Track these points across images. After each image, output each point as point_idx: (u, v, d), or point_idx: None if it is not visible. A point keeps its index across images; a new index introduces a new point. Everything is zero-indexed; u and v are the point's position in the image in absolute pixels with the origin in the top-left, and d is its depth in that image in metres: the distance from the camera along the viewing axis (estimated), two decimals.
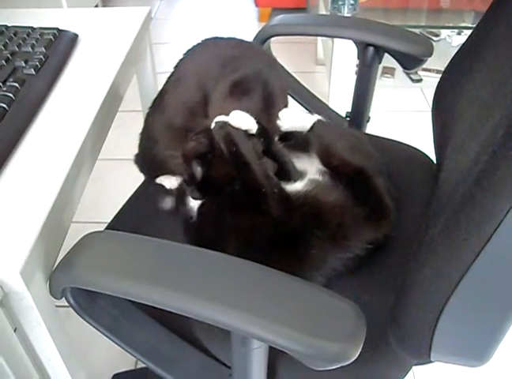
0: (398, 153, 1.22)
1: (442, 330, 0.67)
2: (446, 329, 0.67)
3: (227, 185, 0.91)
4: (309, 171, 0.96)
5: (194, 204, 0.95)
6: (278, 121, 1.02)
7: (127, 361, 1.57)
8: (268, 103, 1.01)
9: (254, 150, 0.90)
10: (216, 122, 0.92)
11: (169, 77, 1.11)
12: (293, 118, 1.04)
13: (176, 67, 1.12)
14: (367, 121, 1.34)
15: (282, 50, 1.45)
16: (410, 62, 1.19)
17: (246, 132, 0.92)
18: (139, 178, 1.19)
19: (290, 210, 0.88)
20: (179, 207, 0.98)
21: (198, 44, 1.14)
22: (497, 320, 0.66)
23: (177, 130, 1.05)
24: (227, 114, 0.92)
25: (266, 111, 1.00)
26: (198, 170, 0.92)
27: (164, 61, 1.54)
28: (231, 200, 0.91)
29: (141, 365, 1.56)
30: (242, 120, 0.92)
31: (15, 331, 0.71)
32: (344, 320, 0.60)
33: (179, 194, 0.98)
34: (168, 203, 1.01)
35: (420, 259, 0.69)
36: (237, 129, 0.91)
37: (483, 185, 0.58)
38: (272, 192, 0.88)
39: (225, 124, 0.91)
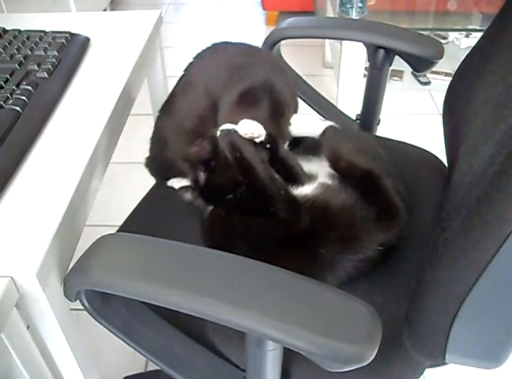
0: (409, 155, 1.21)
1: (457, 332, 0.66)
2: (461, 331, 0.67)
3: (231, 192, 0.92)
4: (319, 175, 0.96)
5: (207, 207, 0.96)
6: (289, 127, 1.03)
7: (138, 363, 1.57)
8: (276, 112, 1.02)
9: (257, 155, 0.91)
10: (221, 130, 0.93)
11: (179, 80, 1.12)
12: (304, 124, 1.04)
13: (186, 70, 1.12)
14: (378, 123, 1.33)
15: (290, 54, 1.44)
16: (421, 65, 1.19)
17: (253, 140, 0.93)
18: (149, 181, 1.19)
19: (299, 211, 0.88)
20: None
21: (208, 48, 1.14)
22: None
23: (187, 133, 1.06)
24: (235, 124, 0.93)
25: (274, 120, 1.00)
26: (201, 176, 0.94)
27: (172, 65, 1.54)
28: (240, 205, 0.92)
29: (151, 367, 1.56)
30: (252, 127, 0.93)
31: (27, 328, 0.71)
32: (360, 322, 0.60)
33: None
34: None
35: (435, 261, 0.69)
36: (244, 136, 0.92)
37: (499, 187, 0.57)
38: (278, 194, 0.88)
39: (230, 132, 0.92)
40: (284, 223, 0.88)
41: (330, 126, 1.03)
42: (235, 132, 0.92)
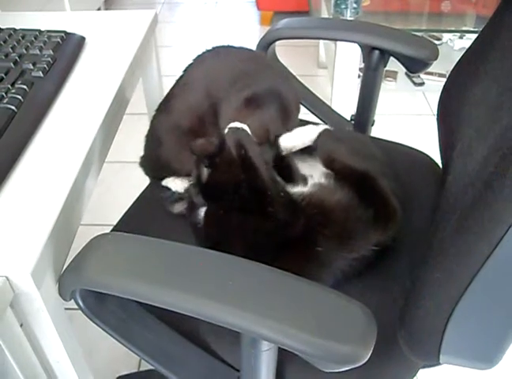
0: (403, 156, 1.22)
1: (452, 333, 0.67)
2: (456, 332, 0.67)
3: (232, 191, 0.93)
4: (314, 175, 0.96)
5: (203, 207, 0.95)
6: (283, 144, 1.03)
7: (130, 363, 1.57)
8: (283, 116, 1.02)
9: (262, 155, 0.92)
10: (230, 128, 0.93)
11: (177, 81, 1.11)
12: (297, 136, 1.04)
13: (185, 71, 1.12)
14: (372, 124, 1.34)
15: (284, 54, 1.44)
16: (416, 66, 1.19)
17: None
18: (143, 180, 1.19)
19: (296, 212, 0.88)
20: (189, 210, 0.99)
21: (208, 51, 1.13)
22: (506, 323, 0.66)
23: (183, 133, 1.06)
24: (243, 123, 0.94)
25: (282, 122, 1.01)
26: (205, 172, 0.94)
27: (166, 64, 1.54)
28: (239, 204, 0.92)
29: (144, 366, 1.56)
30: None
31: (21, 326, 0.71)
32: (355, 322, 0.60)
33: (189, 197, 0.99)
34: (178, 206, 1.02)
35: (430, 262, 0.69)
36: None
37: (494, 188, 0.58)
38: (278, 195, 0.88)
39: (238, 129, 0.93)
40: (281, 224, 0.88)
41: (325, 130, 1.03)
42: (244, 130, 0.93)
